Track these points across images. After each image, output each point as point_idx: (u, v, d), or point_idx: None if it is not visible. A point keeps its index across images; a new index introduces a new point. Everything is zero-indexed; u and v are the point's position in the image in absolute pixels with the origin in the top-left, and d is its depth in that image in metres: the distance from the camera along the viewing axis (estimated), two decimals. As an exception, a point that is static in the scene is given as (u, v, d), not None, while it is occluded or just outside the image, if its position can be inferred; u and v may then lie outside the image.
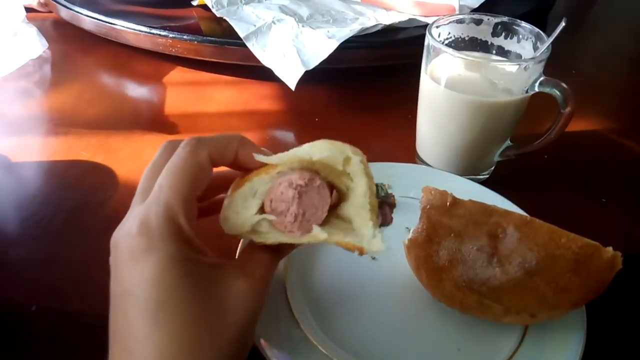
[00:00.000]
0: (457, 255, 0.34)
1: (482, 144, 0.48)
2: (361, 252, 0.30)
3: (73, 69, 0.72)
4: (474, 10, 0.71)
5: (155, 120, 0.60)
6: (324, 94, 0.67)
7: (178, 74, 0.70)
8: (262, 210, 0.30)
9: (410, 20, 0.67)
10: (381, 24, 0.65)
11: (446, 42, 0.50)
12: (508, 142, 0.49)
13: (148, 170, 0.30)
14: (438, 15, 0.62)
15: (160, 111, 0.62)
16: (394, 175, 0.49)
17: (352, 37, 0.63)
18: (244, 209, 0.30)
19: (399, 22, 0.65)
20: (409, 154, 0.55)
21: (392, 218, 0.48)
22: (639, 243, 0.47)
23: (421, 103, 0.50)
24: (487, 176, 0.53)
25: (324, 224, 0.30)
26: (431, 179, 0.48)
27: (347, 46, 0.64)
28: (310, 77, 0.62)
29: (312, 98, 0.66)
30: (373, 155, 0.55)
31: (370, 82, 0.67)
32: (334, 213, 0.32)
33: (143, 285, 0.25)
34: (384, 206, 0.48)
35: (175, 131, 0.58)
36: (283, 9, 0.67)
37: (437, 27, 0.48)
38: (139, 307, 0.25)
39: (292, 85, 0.61)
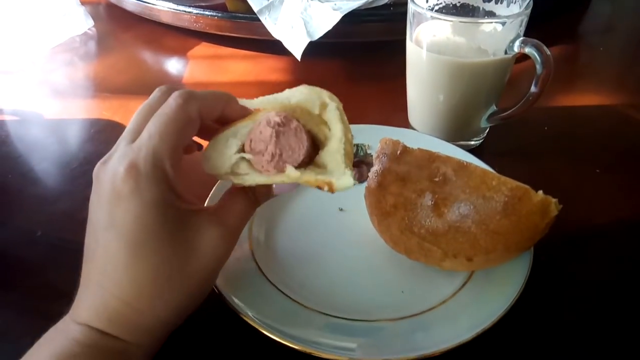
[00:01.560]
0: (400, 200, 0.35)
1: (466, 107, 0.48)
2: (330, 188, 0.30)
3: (113, 44, 0.79)
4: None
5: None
6: (333, 66, 0.69)
7: (202, 48, 0.75)
8: (242, 151, 0.31)
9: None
10: (389, -4, 0.66)
11: (436, 8, 0.50)
12: (494, 107, 0.49)
13: (142, 110, 0.31)
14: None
15: (178, 80, 0.68)
16: (379, 137, 0.50)
17: (361, 10, 0.65)
18: (225, 148, 0.31)
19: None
20: (404, 121, 0.56)
21: (368, 176, 0.50)
22: (627, 214, 0.45)
23: (408, 70, 0.51)
24: (479, 143, 0.53)
25: (299, 167, 0.31)
26: (414, 142, 0.49)
27: (356, 20, 0.66)
28: (321, 51, 0.65)
29: (321, 70, 0.68)
30: (371, 120, 0.57)
31: (379, 55, 0.69)
32: (311, 162, 0.32)
33: (126, 223, 0.28)
34: (361, 165, 0.50)
35: (187, 97, 0.63)
36: (298, -15, 0.70)
37: (423, -8, 0.49)
38: (120, 241, 0.28)
39: (298, 56, 0.63)
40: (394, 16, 0.68)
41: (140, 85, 0.67)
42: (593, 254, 0.41)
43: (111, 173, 0.28)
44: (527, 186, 0.32)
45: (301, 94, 0.31)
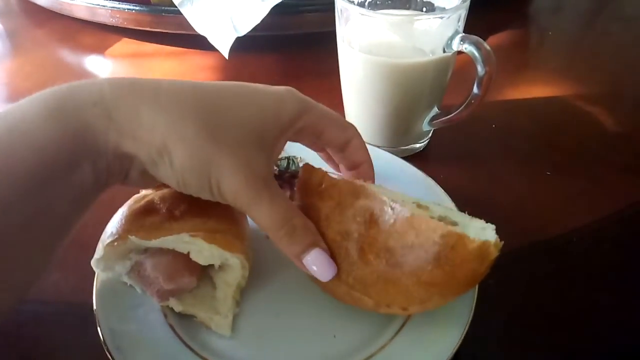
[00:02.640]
0: (325, 241, 0.30)
1: (405, 111, 0.44)
2: (207, 327, 0.32)
3: (23, 42, 0.71)
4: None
5: (85, 94, 0.58)
6: (267, 62, 0.64)
7: (122, 45, 0.67)
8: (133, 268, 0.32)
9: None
10: (322, -16, 0.60)
11: (369, 1, 0.45)
12: (436, 110, 0.45)
13: None
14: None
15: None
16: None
17: (293, 2, 0.59)
18: (116, 264, 0.32)
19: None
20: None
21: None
22: (580, 219, 0.42)
23: (342, 72, 0.46)
24: (424, 146, 0.49)
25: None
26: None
27: (291, 11, 0.60)
28: (253, 45, 0.59)
29: (254, 67, 0.62)
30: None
31: (317, 48, 0.63)
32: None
33: None
34: (292, 180, 0.45)
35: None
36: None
37: (352, -17, 0.43)
38: None
39: (226, 53, 0.57)
40: (332, 5, 0.62)
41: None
42: (548, 271, 0.38)
43: None
44: (460, 232, 0.27)
45: (202, 253, 0.30)
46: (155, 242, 0.30)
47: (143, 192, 0.35)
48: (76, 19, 0.69)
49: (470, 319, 0.31)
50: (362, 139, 0.34)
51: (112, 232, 0.31)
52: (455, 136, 0.50)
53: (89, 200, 0.27)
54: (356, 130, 0.33)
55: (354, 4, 0.42)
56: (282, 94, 0.30)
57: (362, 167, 0.34)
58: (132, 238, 0.30)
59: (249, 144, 0.27)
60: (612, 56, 0.64)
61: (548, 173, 0.46)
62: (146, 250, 0.31)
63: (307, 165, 0.33)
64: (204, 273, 0.33)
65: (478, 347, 0.32)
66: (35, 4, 0.73)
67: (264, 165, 0.28)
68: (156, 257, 0.31)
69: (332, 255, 0.30)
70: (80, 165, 0.24)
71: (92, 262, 0.31)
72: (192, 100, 0.27)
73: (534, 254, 0.39)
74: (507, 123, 0.52)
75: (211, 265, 0.32)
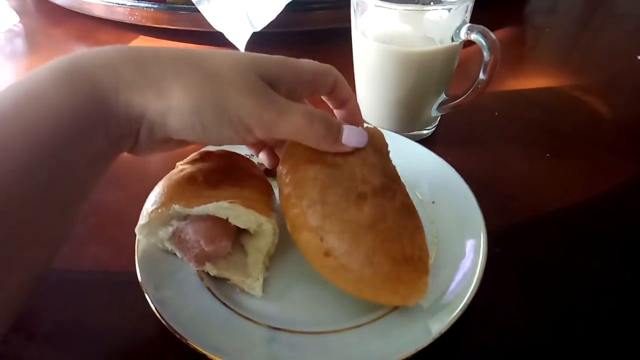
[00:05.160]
0: None
1: (415, 97, 0.47)
2: (240, 289, 0.35)
3: (42, 40, 0.74)
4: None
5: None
6: (280, 57, 0.67)
7: (140, 42, 0.70)
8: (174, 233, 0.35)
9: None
10: (334, -17, 0.63)
11: (381, -5, 0.48)
12: (443, 96, 0.48)
13: None
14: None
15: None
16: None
17: (305, -1, 0.63)
18: (159, 230, 0.34)
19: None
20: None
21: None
22: (578, 195, 0.45)
23: (355, 61, 0.49)
24: (430, 132, 0.52)
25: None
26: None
27: (302, 8, 0.63)
28: (266, 42, 0.62)
29: (267, 62, 0.65)
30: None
31: (327, 44, 0.66)
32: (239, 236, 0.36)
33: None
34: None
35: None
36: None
37: (366, -22, 0.47)
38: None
39: (242, 48, 0.60)
40: (341, 3, 0.65)
41: (73, 85, 0.62)
42: (549, 242, 0.41)
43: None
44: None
45: (240, 216, 0.33)
46: (197, 210, 0.33)
47: (180, 166, 0.37)
48: (92, 17, 0.72)
49: (479, 280, 0.33)
50: (342, 76, 0.35)
51: (155, 201, 0.34)
52: (460, 123, 0.53)
53: (105, 165, 0.28)
54: (336, 70, 0.34)
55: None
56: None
57: (349, 103, 0.36)
58: (176, 207, 0.33)
59: (250, 73, 0.29)
60: (605, 51, 0.68)
61: (547, 155, 0.50)
62: (186, 218, 0.34)
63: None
64: (236, 242, 0.36)
65: (486, 305, 0.35)
66: (50, 3, 0.77)
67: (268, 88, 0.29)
68: (197, 223, 0.34)
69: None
70: (94, 129, 0.26)
71: (137, 228, 0.34)
72: (189, 56, 0.29)
73: (536, 226, 0.43)
74: (508, 111, 0.56)
75: (243, 233, 0.35)
